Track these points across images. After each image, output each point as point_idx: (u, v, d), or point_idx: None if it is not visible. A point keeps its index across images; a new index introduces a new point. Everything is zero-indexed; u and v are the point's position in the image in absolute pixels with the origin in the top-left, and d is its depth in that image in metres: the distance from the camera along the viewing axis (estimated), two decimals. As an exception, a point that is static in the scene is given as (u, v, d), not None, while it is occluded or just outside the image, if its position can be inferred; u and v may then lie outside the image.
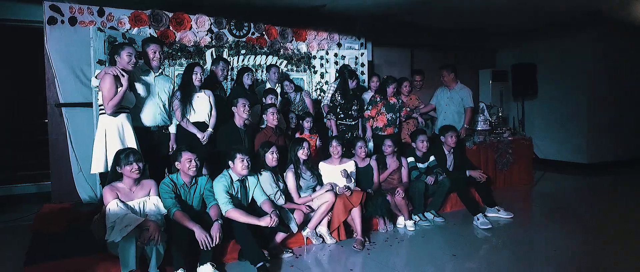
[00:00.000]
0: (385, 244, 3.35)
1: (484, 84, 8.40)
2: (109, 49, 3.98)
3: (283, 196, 3.15)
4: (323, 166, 3.57)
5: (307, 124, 4.22)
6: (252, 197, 3.02)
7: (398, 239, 3.48)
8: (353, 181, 3.51)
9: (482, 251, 3.28)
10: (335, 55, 5.67)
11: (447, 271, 2.85)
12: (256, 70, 5.13)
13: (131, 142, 2.83)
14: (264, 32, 5.36)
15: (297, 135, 4.21)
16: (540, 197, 5.29)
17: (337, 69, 5.61)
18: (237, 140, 3.39)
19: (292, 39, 5.60)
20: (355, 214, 3.32)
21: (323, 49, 5.74)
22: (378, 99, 4.58)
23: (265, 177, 3.10)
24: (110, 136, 2.73)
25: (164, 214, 2.64)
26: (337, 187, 3.41)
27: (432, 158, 4.14)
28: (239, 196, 2.95)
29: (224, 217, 2.73)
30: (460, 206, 4.28)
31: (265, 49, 5.27)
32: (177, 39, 4.70)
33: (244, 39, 5.18)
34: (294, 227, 3.07)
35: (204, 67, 4.11)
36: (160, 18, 4.59)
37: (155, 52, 3.08)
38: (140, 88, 3.03)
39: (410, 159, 4.06)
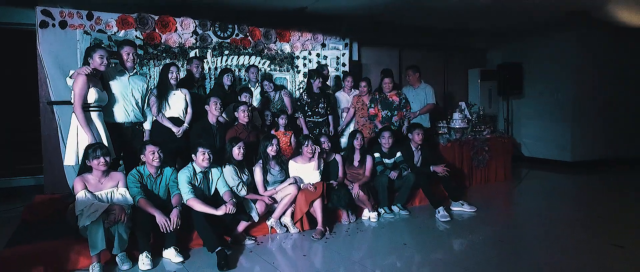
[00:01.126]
0: (345, 234, 3.57)
1: (473, 83, 8.53)
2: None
3: (245, 188, 3.39)
4: (292, 164, 3.79)
5: (281, 121, 4.45)
6: (216, 188, 3.27)
7: (359, 230, 3.69)
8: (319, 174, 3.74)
9: (433, 240, 3.47)
10: (318, 55, 5.90)
11: (393, 257, 3.05)
12: (239, 70, 5.38)
13: (103, 138, 3.10)
14: (248, 34, 5.60)
15: (273, 132, 4.45)
16: (514, 193, 5.44)
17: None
18: (209, 135, 3.64)
19: (276, 40, 5.83)
20: (317, 206, 3.54)
21: (306, 50, 5.97)
22: (377, 96, 4.81)
23: (228, 170, 3.35)
24: (81, 131, 3.00)
25: (131, 204, 2.90)
26: (302, 183, 3.63)
27: (398, 154, 4.34)
28: (202, 186, 3.20)
29: (185, 205, 2.98)
30: (420, 201, 4.50)
31: (249, 49, 5.52)
32: (162, 41, 4.97)
33: (228, 41, 5.43)
34: (255, 217, 3.32)
35: (181, 67, 4.35)
36: (146, 21, 4.87)
37: (129, 54, 3.35)
38: (114, 87, 3.30)
39: (376, 154, 4.26)
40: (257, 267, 2.88)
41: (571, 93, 7.25)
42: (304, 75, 5.81)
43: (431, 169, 4.26)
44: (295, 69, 5.83)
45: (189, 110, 3.71)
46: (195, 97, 3.89)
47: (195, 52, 5.09)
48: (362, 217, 4.01)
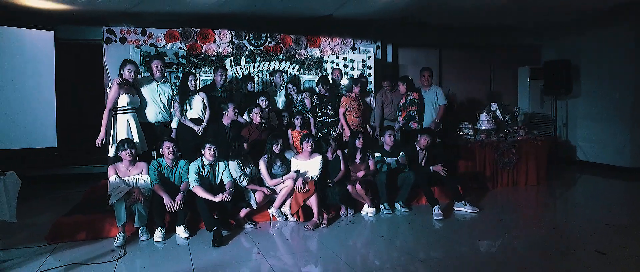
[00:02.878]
0: (337, 226, 3.91)
1: (523, 82, 8.16)
2: (144, 62, 5.18)
3: (246, 179, 3.92)
4: (294, 160, 4.24)
5: (297, 121, 4.92)
6: (221, 178, 3.85)
7: (352, 223, 4.01)
8: (308, 175, 4.09)
9: (413, 235, 3.68)
10: (345, 59, 6.24)
11: (367, 248, 3.35)
12: (271, 74, 5.94)
13: (135, 135, 3.85)
14: (279, 41, 6.16)
15: (289, 131, 4.94)
16: (538, 197, 5.26)
17: (345, 72, 6.19)
18: (223, 135, 4.25)
19: (306, 46, 6.31)
20: (312, 199, 3.94)
21: (335, 54, 6.34)
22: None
23: (233, 164, 3.91)
24: (119, 129, 3.79)
25: (150, 188, 3.60)
26: (303, 176, 4.06)
27: (401, 154, 4.55)
28: (209, 177, 3.81)
29: (191, 191, 3.61)
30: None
31: (280, 55, 6.07)
32: (203, 51, 5.74)
33: (261, 48, 6.05)
34: (253, 204, 3.85)
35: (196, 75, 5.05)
36: (189, 34, 5.67)
37: (157, 66, 4.08)
38: (145, 93, 4.05)
39: (377, 154, 4.52)
40: (245, 245, 3.39)
41: (630, 92, 6.63)
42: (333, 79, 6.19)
43: (431, 168, 4.40)
44: (324, 72, 6.24)
45: (207, 111, 4.36)
46: (216, 100, 4.54)
47: (230, 60, 5.78)
48: (361, 212, 4.31)
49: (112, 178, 3.53)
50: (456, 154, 5.32)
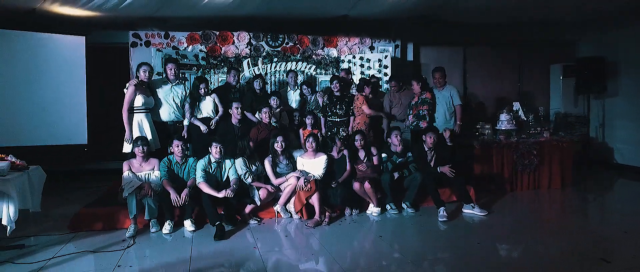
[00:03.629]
0: (339, 225, 3.96)
1: (555, 80, 7.78)
2: (164, 64, 5.46)
3: (251, 177, 4.06)
4: (299, 160, 4.33)
5: (308, 120, 5.01)
6: (227, 175, 4.01)
7: (355, 222, 4.04)
8: (311, 174, 4.17)
9: (413, 236, 3.65)
10: (361, 58, 6.25)
11: (362, 247, 3.38)
12: (287, 75, 6.06)
13: (148, 133, 4.10)
14: (297, 42, 6.27)
15: (301, 130, 5.03)
16: (559, 201, 5.03)
17: (361, 71, 6.21)
18: (230, 133, 4.42)
19: (323, 46, 6.38)
20: (314, 198, 4.01)
21: (353, 54, 6.36)
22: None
23: (239, 161, 4.06)
24: (133, 128, 4.04)
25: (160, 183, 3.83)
26: (306, 175, 4.14)
27: (409, 154, 4.51)
28: (216, 174, 3.98)
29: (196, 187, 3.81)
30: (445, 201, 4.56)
31: (297, 56, 6.18)
32: (222, 52, 5.96)
33: (278, 49, 6.19)
34: (257, 201, 3.98)
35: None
36: (209, 36, 5.91)
37: (171, 69, 4.31)
38: (159, 93, 4.29)
39: (384, 154, 4.50)
40: (245, 240, 3.52)
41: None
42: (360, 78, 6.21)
43: (438, 169, 4.33)
44: (340, 72, 6.27)
45: (220, 109, 4.56)
46: (230, 100, 4.72)
47: (248, 61, 5.96)
48: (367, 212, 4.32)
49: (125, 173, 3.79)
50: (469, 155, 5.18)
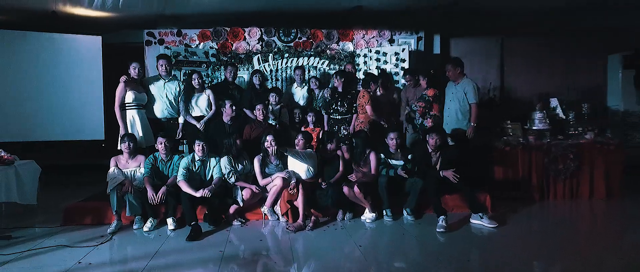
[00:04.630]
0: (324, 231, 3.66)
1: (614, 73, 6.78)
2: (173, 61, 5.50)
3: (234, 176, 3.90)
4: (289, 159, 4.08)
5: (310, 118, 4.77)
6: (212, 174, 3.90)
7: (343, 229, 3.72)
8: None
9: (398, 247, 3.27)
10: (377, 52, 5.86)
11: (332, 256, 3.08)
12: (294, 70, 5.83)
13: (139, 129, 4.11)
14: (310, 36, 6.03)
15: (303, 128, 4.80)
16: (599, 214, 4.30)
17: (377, 66, 5.83)
18: (222, 131, 4.30)
19: (338, 40, 6.08)
20: (299, 201, 3.76)
21: (372, 47, 5.99)
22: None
23: (224, 160, 3.92)
24: (125, 124, 4.07)
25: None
26: (294, 177, 3.90)
27: (410, 156, 4.09)
28: (200, 172, 3.88)
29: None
30: (456, 209, 4.10)
31: (309, 51, 5.94)
32: (233, 49, 5.90)
33: (291, 44, 5.99)
34: (240, 202, 3.81)
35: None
36: (220, 33, 5.88)
37: (162, 65, 4.29)
38: (153, 90, 4.29)
39: (382, 155, 4.12)
40: (216, 242, 3.36)
41: None
42: (364, 73, 5.87)
43: (441, 173, 3.86)
44: (356, 68, 5.94)
45: (213, 107, 4.45)
46: (226, 97, 4.62)
47: (258, 57, 5.83)
48: (361, 217, 3.99)
49: (111, 169, 3.81)
50: (488, 159, 4.60)
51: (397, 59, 5.79)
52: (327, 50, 6.03)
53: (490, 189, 4.36)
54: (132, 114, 4.11)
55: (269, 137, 3.99)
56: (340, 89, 4.84)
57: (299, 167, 4.00)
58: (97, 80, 5.55)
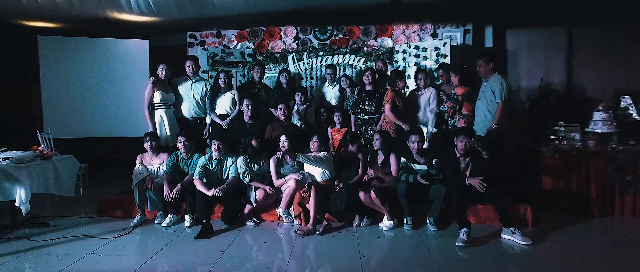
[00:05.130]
0: (334, 237, 3.47)
1: None
2: (210, 62, 5.68)
3: (249, 176, 3.88)
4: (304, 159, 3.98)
5: (336, 117, 4.61)
6: (228, 173, 3.92)
7: (355, 235, 3.50)
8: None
9: (406, 261, 2.98)
10: (416, 47, 5.50)
11: (329, 265, 2.90)
12: (326, 68, 5.67)
13: (166, 128, 4.27)
14: (346, 33, 5.84)
15: (329, 128, 4.66)
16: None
17: (416, 63, 5.47)
18: (243, 130, 4.31)
19: (376, 36, 5.80)
20: (310, 204, 3.63)
21: (409, 42, 5.65)
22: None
23: (240, 160, 3.92)
24: (155, 123, 4.27)
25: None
26: (309, 179, 3.79)
27: (434, 161, 3.74)
28: (217, 171, 3.92)
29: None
30: (489, 221, 3.69)
31: (344, 48, 5.76)
32: (269, 48, 5.92)
33: (327, 42, 5.86)
34: (253, 202, 3.79)
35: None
36: (257, 33, 5.93)
37: (189, 66, 4.41)
38: (181, 90, 4.43)
39: (403, 159, 3.81)
40: (220, 242, 3.35)
41: None
42: (403, 69, 5.55)
43: (467, 181, 3.46)
44: (394, 64, 5.63)
45: (237, 107, 4.49)
46: (253, 96, 4.63)
47: (293, 56, 5.78)
48: (379, 224, 3.74)
49: (137, 166, 4.01)
50: (526, 165, 4.06)
51: (437, 54, 5.36)
52: (365, 47, 5.79)
53: (535, 201, 3.85)
54: (160, 114, 4.30)
55: (283, 138, 3.91)
56: (368, 88, 4.61)
57: (314, 169, 3.87)
58: (143, 82, 5.89)
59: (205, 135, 4.55)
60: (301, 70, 5.79)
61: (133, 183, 3.89)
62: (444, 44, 5.34)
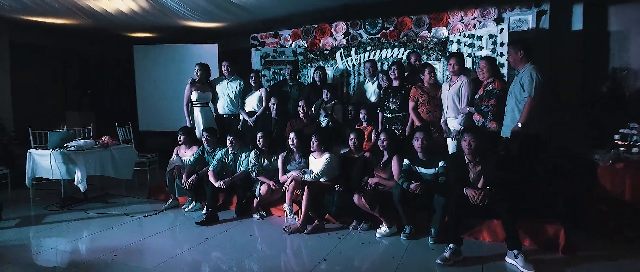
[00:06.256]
0: (319, 237, 3.37)
1: None
2: (262, 62, 6.00)
3: (256, 170, 4.00)
4: (311, 158, 3.92)
5: (361, 115, 4.42)
6: (241, 167, 4.14)
7: (341, 239, 3.33)
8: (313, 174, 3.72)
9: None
10: (471, 36, 4.85)
11: (287, 266, 2.84)
12: (382, 63, 5.43)
13: (201, 124, 4.71)
14: (397, 25, 5.48)
15: (356, 126, 4.50)
16: None
17: (469, 53, 4.85)
18: (268, 126, 4.47)
19: (430, 26, 5.31)
20: (303, 201, 3.58)
21: (468, 30, 5.01)
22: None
23: (252, 154, 4.09)
24: (194, 120, 4.75)
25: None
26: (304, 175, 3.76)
27: (441, 163, 3.28)
28: (231, 164, 4.18)
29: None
30: (494, 237, 3.12)
31: (393, 41, 5.42)
32: (320, 46, 5.95)
33: (377, 36, 5.60)
34: (257, 195, 3.93)
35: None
36: (309, 31, 6.02)
37: (225, 67, 4.76)
38: (217, 89, 4.82)
39: (406, 161, 3.42)
40: (212, 231, 3.55)
41: None
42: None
43: (464, 190, 2.93)
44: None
45: (264, 104, 4.67)
46: (282, 94, 4.77)
47: (341, 53, 5.69)
48: (376, 230, 3.47)
49: (173, 157, 4.55)
50: (566, 176, 3.20)
51: (493, 43, 4.62)
52: (417, 39, 5.34)
53: (580, 223, 3.06)
54: (197, 111, 4.77)
55: (291, 135, 3.94)
56: (395, 83, 4.28)
57: (314, 166, 3.80)
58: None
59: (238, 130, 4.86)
60: (349, 66, 5.67)
61: (166, 171, 4.42)
62: (501, 30, 4.56)
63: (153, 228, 3.71)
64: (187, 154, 4.53)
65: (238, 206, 4.07)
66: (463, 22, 5.13)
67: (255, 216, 3.97)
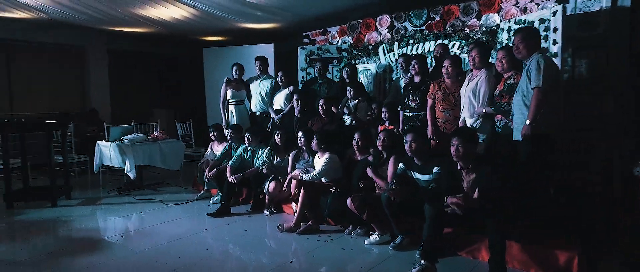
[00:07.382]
0: (307, 238, 3.30)
1: None
2: (308, 60, 6.02)
3: (265, 167, 4.04)
4: (316, 157, 3.82)
5: (383, 114, 4.18)
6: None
7: (330, 242, 3.20)
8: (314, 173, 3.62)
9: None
10: (519, 23, 4.18)
11: (257, 264, 2.84)
12: (425, 57, 5.02)
13: (234, 121, 4.94)
14: (443, 15, 4.99)
15: (379, 126, 4.27)
16: None
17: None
18: (291, 123, 4.51)
19: (479, 13, 4.71)
20: (299, 200, 3.53)
21: (518, 17, 4.33)
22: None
23: (266, 151, 4.17)
24: (229, 117, 5.03)
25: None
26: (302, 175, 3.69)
27: (435, 169, 2.90)
28: (250, 159, 4.32)
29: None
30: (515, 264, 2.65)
31: (436, 33, 4.95)
32: (365, 41, 5.73)
33: (423, 28, 5.19)
34: (265, 192, 4.00)
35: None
36: (355, 27, 5.85)
37: (257, 66, 4.90)
38: (251, 87, 5.00)
39: (401, 165, 3.09)
40: (222, 223, 3.75)
41: None
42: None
43: (448, 199, 2.53)
44: (498, 46, 4.45)
45: (291, 103, 4.71)
46: (311, 92, 4.76)
47: (383, 48, 5.41)
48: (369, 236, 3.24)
49: (207, 151, 4.90)
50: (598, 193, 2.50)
51: (545, 29, 3.88)
52: (465, 29, 4.79)
53: (613, 247, 2.44)
54: (231, 109, 5.03)
55: (300, 133, 3.91)
56: (416, 79, 3.92)
57: (317, 167, 3.71)
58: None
59: (269, 128, 4.99)
60: (392, 61, 5.35)
61: (199, 164, 4.78)
62: (554, 13, 3.80)
63: (172, 215, 4.05)
64: (218, 149, 4.82)
65: (254, 201, 4.21)
66: (518, 6, 4.43)
67: (266, 212, 4.04)
